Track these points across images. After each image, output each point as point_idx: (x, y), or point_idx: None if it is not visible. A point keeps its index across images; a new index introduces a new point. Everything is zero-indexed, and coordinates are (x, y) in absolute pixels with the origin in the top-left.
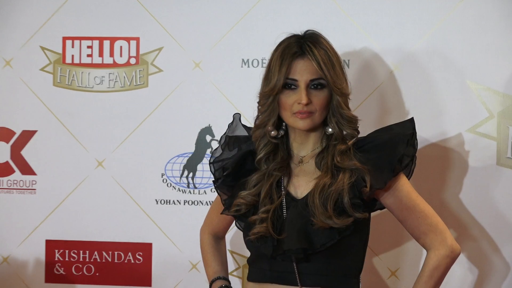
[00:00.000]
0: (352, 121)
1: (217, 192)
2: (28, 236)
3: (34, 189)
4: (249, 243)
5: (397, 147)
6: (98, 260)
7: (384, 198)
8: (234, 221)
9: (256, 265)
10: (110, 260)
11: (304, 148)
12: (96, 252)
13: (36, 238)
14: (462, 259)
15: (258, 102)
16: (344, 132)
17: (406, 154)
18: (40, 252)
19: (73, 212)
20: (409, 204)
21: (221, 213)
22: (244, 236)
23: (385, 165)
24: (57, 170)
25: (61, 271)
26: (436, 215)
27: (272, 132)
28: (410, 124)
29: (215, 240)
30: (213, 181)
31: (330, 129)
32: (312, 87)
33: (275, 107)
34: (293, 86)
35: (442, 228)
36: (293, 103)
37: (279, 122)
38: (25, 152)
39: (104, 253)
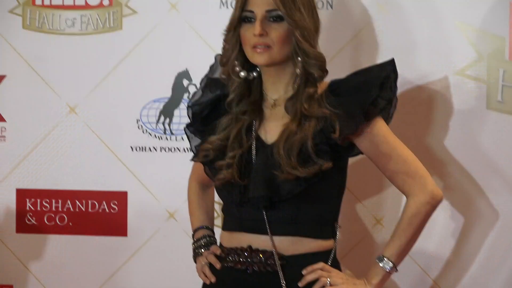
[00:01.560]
0: (318, 60)
1: (187, 137)
2: None
3: (4, 136)
4: (218, 191)
5: (370, 89)
6: (71, 209)
7: (360, 143)
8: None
9: (228, 213)
10: (83, 209)
11: (277, 90)
12: (69, 201)
13: (7, 187)
14: (446, 206)
15: (223, 40)
16: (311, 72)
17: (381, 96)
18: (10, 202)
19: (44, 160)
20: (386, 150)
21: (191, 160)
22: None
23: (357, 108)
24: (27, 117)
25: (33, 221)
26: (416, 160)
27: (242, 73)
28: (389, 65)
29: (201, 188)
30: (185, 125)
31: (297, 69)
32: (271, 19)
33: (235, 42)
34: (252, 19)
35: (422, 173)
36: (251, 36)
37: (252, 64)
38: None
39: (77, 202)
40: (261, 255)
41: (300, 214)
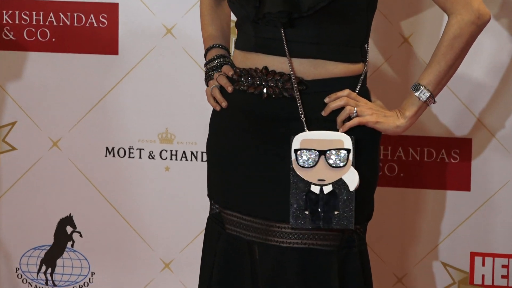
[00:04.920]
0: None
1: None
2: None
3: None
4: (230, 3)
5: None
6: (55, 23)
7: None
8: None
9: (242, 29)
10: (68, 23)
11: None
12: (52, 14)
13: None
14: (495, 28)
15: None
16: None
17: None
18: None
19: None
20: None
21: None
22: None
23: None
24: None
25: (11, 36)
26: None
27: None
28: None
29: (216, 1)
30: None
31: None
32: None
33: None
34: None
35: None
36: None
37: None
38: None
39: (61, 15)
40: (278, 78)
41: (323, 34)
